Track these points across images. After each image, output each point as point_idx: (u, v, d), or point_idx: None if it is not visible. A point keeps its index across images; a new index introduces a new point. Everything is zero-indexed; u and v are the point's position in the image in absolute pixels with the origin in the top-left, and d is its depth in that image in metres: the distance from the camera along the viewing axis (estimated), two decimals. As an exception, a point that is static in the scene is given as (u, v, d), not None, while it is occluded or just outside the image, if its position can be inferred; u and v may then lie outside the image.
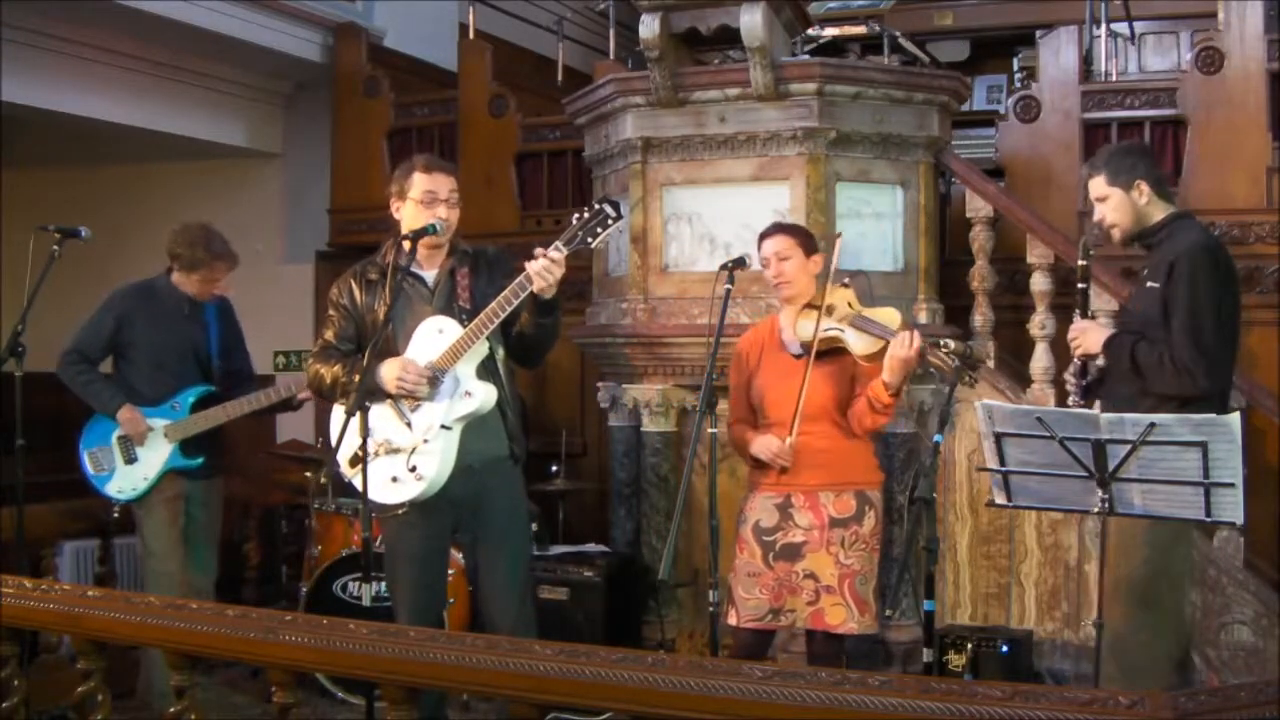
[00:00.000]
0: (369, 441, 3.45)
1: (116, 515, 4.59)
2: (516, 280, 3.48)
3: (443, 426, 3.54)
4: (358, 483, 3.46)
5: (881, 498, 3.89)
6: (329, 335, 3.75)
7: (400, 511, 3.61)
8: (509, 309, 3.48)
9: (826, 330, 3.73)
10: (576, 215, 3.48)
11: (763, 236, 3.93)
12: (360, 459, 3.42)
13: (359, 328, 3.70)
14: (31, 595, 3.02)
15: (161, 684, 4.21)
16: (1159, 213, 3.59)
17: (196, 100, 6.99)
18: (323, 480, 5.19)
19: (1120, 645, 3.35)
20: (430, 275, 3.72)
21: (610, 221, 3.45)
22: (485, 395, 3.56)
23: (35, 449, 4.37)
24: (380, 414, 3.58)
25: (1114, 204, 3.59)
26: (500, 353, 3.70)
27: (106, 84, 6.53)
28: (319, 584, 4.97)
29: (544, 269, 3.40)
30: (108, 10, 5.94)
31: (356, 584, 4.89)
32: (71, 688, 3.08)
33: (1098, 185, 3.62)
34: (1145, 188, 3.56)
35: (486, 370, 3.63)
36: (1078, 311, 3.68)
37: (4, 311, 5.48)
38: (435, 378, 3.54)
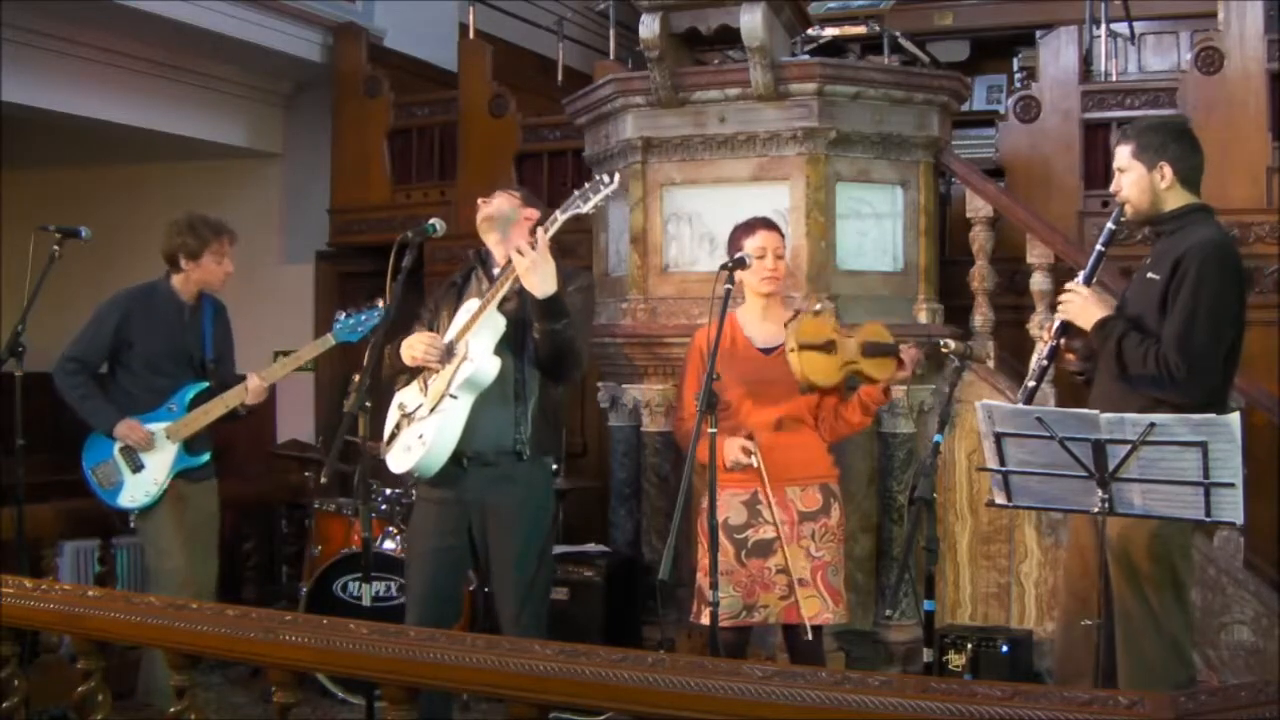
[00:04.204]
0: (401, 419, 3.68)
1: (133, 525, 4.52)
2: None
3: (449, 395, 3.58)
4: (389, 460, 3.66)
5: (840, 489, 3.97)
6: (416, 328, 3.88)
7: (410, 483, 3.79)
8: (505, 288, 3.57)
9: (847, 365, 3.75)
10: (576, 190, 3.57)
11: (754, 228, 3.89)
12: (394, 435, 3.65)
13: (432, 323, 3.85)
14: (31, 595, 3.03)
15: (161, 684, 4.21)
16: (1177, 201, 3.38)
17: (196, 100, 6.99)
18: (323, 480, 5.18)
19: (1137, 635, 3.30)
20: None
21: (603, 187, 3.52)
22: (485, 363, 3.57)
23: (35, 449, 4.37)
24: (410, 390, 3.74)
25: (1132, 179, 3.39)
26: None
27: (106, 84, 6.53)
28: (319, 584, 4.97)
29: (519, 249, 3.49)
30: (108, 10, 5.93)
31: (356, 584, 4.89)
32: (71, 688, 3.09)
33: (1122, 155, 3.41)
34: (1168, 171, 3.35)
35: (506, 348, 3.65)
36: (1084, 273, 3.45)
37: (4, 311, 5.49)
38: (450, 347, 3.63)
